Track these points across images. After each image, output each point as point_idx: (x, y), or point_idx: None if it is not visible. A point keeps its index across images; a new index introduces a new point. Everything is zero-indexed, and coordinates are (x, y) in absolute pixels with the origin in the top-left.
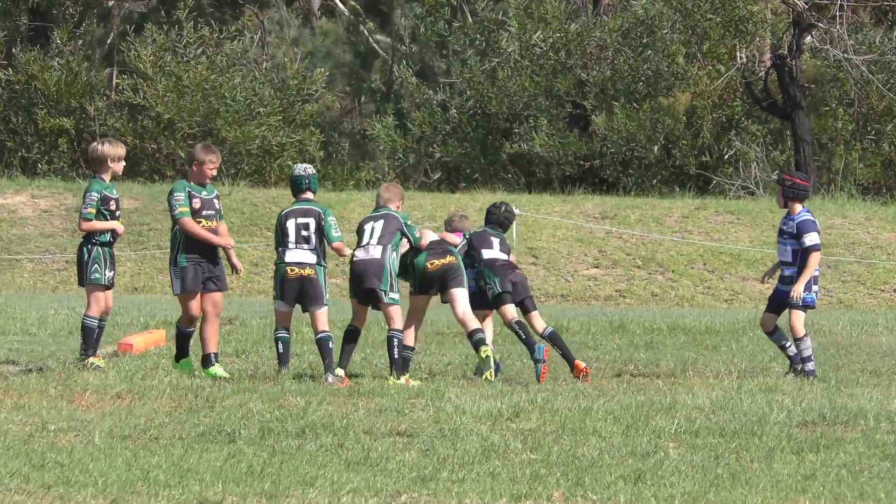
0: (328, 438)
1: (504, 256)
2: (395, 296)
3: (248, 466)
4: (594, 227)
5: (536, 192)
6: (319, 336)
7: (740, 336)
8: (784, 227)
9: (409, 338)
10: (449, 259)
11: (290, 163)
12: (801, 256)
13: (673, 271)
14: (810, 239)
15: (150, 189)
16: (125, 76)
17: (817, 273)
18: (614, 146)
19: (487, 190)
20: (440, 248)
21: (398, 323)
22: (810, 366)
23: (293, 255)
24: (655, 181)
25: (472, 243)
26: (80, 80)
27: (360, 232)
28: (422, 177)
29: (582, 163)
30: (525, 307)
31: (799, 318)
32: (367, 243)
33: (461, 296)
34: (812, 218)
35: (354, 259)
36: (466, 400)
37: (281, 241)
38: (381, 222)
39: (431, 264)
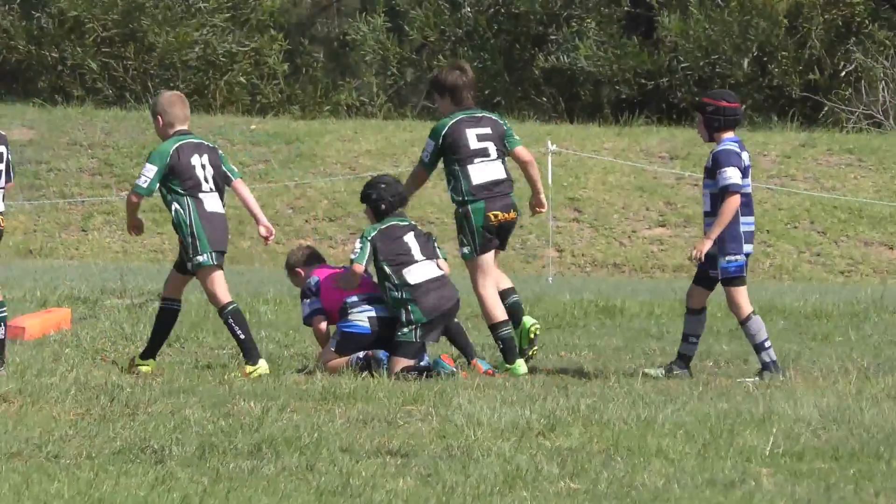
0: (293, 458)
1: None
2: None
3: (183, 496)
4: (659, 170)
5: (580, 121)
6: None
7: (862, 322)
8: (707, 165)
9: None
10: (512, 214)
11: (241, 79)
12: (718, 200)
13: (768, 232)
14: (725, 175)
15: (49, 114)
16: None
17: (750, 227)
18: (688, 59)
19: (513, 118)
20: (504, 191)
21: (223, 292)
22: (767, 356)
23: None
24: (745, 107)
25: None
26: None
27: (183, 168)
28: (423, 100)
29: (644, 82)
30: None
31: (739, 294)
32: (211, 188)
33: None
34: (734, 148)
35: (208, 210)
36: (482, 407)
37: None
38: (206, 157)
39: (495, 216)
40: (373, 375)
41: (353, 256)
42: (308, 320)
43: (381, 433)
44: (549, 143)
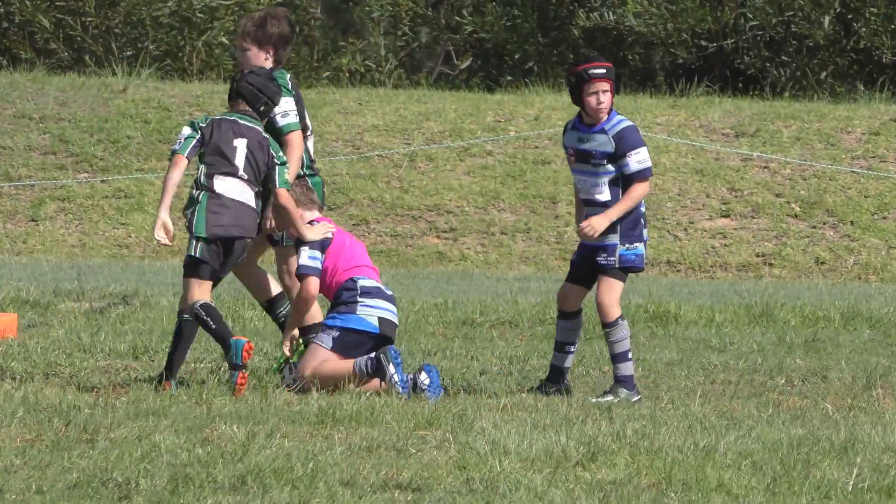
0: (283, 493)
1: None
2: None
3: None
4: (722, 149)
5: (629, 91)
6: None
7: None
8: (583, 146)
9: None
10: None
11: (223, 39)
12: (623, 186)
13: (852, 223)
14: (639, 159)
15: None
16: None
17: (641, 213)
18: (758, 17)
19: (548, 87)
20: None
21: None
22: (626, 368)
23: None
24: (825, 75)
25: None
26: None
27: None
28: (440, 65)
29: (704, 44)
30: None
31: (618, 289)
32: None
33: None
34: (631, 123)
35: None
36: (510, 432)
37: None
38: None
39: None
40: (379, 394)
41: (175, 147)
42: (303, 272)
43: (389, 463)
44: None
